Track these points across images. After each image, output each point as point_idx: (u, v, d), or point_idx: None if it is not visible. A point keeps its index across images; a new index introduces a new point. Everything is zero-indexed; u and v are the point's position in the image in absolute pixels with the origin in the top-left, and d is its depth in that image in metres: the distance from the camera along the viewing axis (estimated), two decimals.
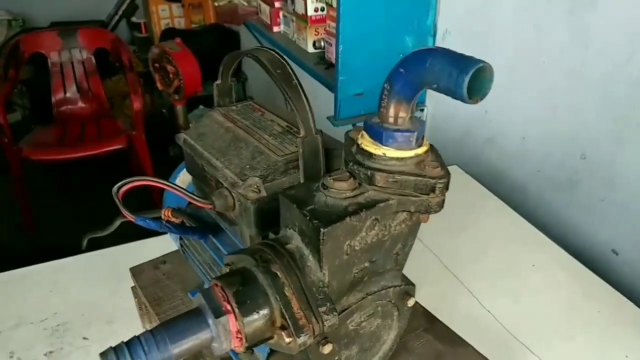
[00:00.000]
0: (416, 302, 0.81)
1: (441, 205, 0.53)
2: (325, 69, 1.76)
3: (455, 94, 0.43)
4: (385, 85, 0.50)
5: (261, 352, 0.72)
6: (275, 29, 2.13)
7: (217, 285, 0.50)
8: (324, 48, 1.81)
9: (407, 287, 0.63)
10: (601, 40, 1.12)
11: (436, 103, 1.60)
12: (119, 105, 3.25)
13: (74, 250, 1.07)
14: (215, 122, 0.69)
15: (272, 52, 0.60)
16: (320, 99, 1.91)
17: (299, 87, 0.58)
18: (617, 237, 1.18)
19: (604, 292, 1.02)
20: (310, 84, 1.88)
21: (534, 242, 1.15)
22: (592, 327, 0.94)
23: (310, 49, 1.89)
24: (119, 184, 0.60)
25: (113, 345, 0.46)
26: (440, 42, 1.54)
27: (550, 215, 1.32)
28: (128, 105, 3.02)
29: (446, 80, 0.43)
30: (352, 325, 0.59)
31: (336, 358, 0.60)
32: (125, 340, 0.47)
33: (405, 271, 0.67)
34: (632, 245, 1.16)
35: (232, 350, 0.71)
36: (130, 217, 0.61)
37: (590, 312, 0.97)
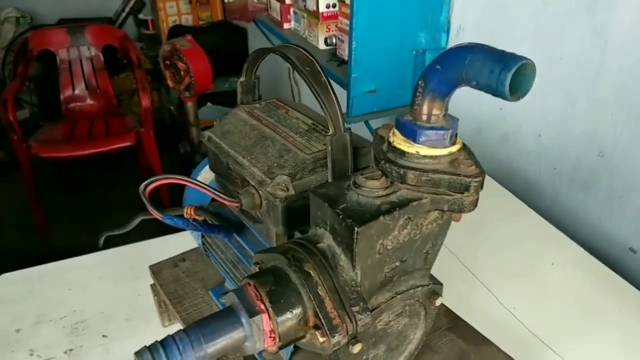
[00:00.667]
0: None
1: (475, 204, 0.52)
2: (337, 65, 1.75)
3: (496, 92, 0.42)
4: (420, 82, 0.49)
5: (285, 351, 0.72)
6: (286, 25, 2.12)
7: (249, 284, 0.50)
8: (335, 45, 1.80)
9: (435, 287, 0.62)
10: (620, 36, 1.11)
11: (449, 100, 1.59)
12: (127, 102, 3.26)
13: (86, 247, 1.07)
14: (240, 119, 0.69)
15: (300, 49, 0.60)
16: None
17: (328, 85, 0.57)
18: (635, 235, 1.18)
19: (625, 290, 1.01)
20: None
21: (552, 240, 1.14)
22: (613, 326, 0.93)
23: (322, 46, 1.88)
24: (146, 182, 0.60)
25: (147, 345, 0.46)
26: (454, 39, 1.53)
27: (567, 213, 1.31)
28: (136, 103, 3.03)
29: (487, 77, 0.42)
30: (380, 325, 0.59)
31: (364, 357, 0.60)
32: (159, 340, 0.46)
33: None
34: None
35: None
36: (157, 215, 0.61)
37: (611, 310, 0.96)
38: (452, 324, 0.78)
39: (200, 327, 0.48)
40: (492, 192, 1.31)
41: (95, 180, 2.89)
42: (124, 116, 2.73)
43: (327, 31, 1.86)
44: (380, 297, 0.57)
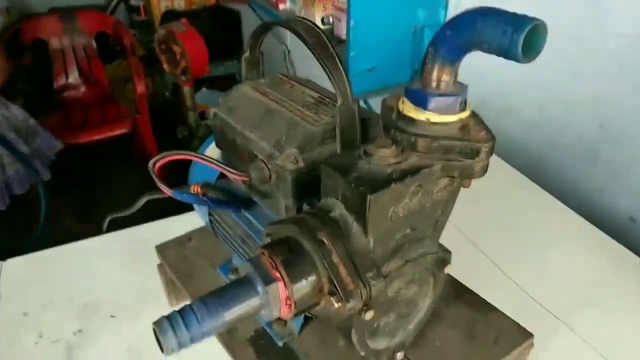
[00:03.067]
0: None
1: (485, 169, 0.53)
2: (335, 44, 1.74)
3: (508, 54, 0.42)
4: (430, 49, 0.49)
5: (295, 323, 0.72)
6: (282, 6, 2.10)
7: (264, 253, 0.50)
8: (332, 24, 1.79)
9: (444, 254, 0.63)
10: (620, 8, 1.11)
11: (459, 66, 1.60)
12: (121, 90, 3.23)
13: (86, 235, 1.07)
14: (246, 95, 0.68)
15: (306, 21, 0.59)
16: (326, 77, 1.90)
17: (335, 56, 0.57)
18: (635, 205, 1.19)
19: (625, 258, 1.02)
20: (315, 62, 1.87)
21: (554, 211, 1.15)
22: (614, 292, 0.95)
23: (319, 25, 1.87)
24: (155, 158, 0.60)
25: (165, 315, 0.46)
26: (452, 14, 1.52)
27: (569, 184, 1.32)
28: (130, 90, 3.00)
29: (499, 39, 0.42)
30: (391, 292, 0.59)
31: (375, 324, 0.61)
32: (177, 310, 0.47)
33: None
34: None
35: (267, 323, 0.72)
36: (168, 191, 0.61)
37: (612, 277, 0.98)
38: (459, 293, 0.79)
39: (217, 296, 0.48)
40: (494, 166, 1.32)
41: (93, 168, 2.88)
42: (119, 103, 2.71)
43: (323, 10, 1.85)
44: (392, 265, 0.58)
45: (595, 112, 1.21)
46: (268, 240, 0.56)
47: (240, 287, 0.49)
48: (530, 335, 0.72)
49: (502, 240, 1.06)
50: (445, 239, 0.91)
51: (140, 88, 2.42)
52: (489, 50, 0.44)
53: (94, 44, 2.71)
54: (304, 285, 0.49)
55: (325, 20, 1.83)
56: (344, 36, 1.56)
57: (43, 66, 2.80)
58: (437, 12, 1.52)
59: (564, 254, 1.04)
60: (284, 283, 0.49)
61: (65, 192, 2.69)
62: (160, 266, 0.91)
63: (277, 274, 0.49)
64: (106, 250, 1.05)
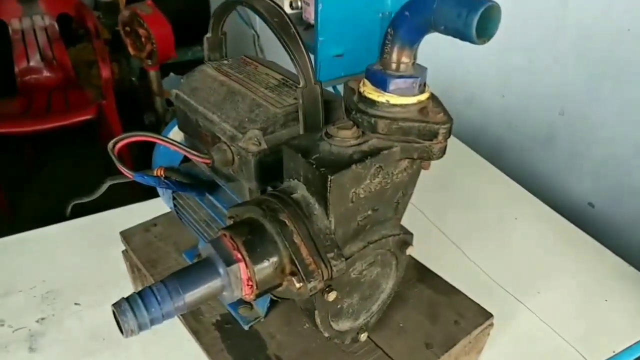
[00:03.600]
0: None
1: (443, 151, 0.53)
2: (303, 29, 1.73)
3: (463, 35, 0.43)
4: (389, 30, 0.50)
5: (261, 307, 0.73)
6: None
7: (225, 235, 0.50)
8: (301, 8, 1.77)
9: (406, 236, 0.64)
10: None
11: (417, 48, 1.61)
12: (86, 74, 3.14)
13: (52, 221, 1.05)
14: (208, 76, 0.68)
15: (268, 0, 0.59)
16: None
17: (297, 36, 0.57)
18: (593, 190, 1.23)
19: (583, 241, 1.06)
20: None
21: (515, 196, 1.18)
22: (572, 274, 0.98)
23: (287, 9, 1.84)
24: (115, 139, 0.59)
25: (125, 297, 0.46)
26: None
27: (529, 170, 1.36)
28: (95, 75, 2.92)
29: (454, 21, 0.43)
30: (354, 274, 0.60)
31: (339, 306, 0.62)
32: (136, 291, 0.46)
33: None
34: (608, 198, 1.21)
35: (232, 306, 0.72)
36: (128, 174, 0.60)
37: (570, 260, 1.01)
38: (422, 275, 0.81)
39: (178, 277, 0.48)
40: (457, 151, 1.34)
41: (57, 155, 2.81)
42: (84, 89, 2.64)
43: None
44: (354, 247, 0.58)
45: (556, 99, 1.24)
46: (231, 222, 0.56)
47: (201, 268, 0.49)
48: (490, 315, 0.75)
49: (464, 224, 1.09)
50: (408, 222, 0.92)
51: (106, 73, 2.35)
52: (445, 32, 0.45)
53: (56, 26, 2.63)
54: (265, 266, 0.49)
55: (294, 5, 1.81)
56: (312, 21, 1.54)
57: (3, 49, 2.70)
58: None
59: (524, 237, 1.07)
60: (246, 264, 0.49)
61: (29, 179, 2.63)
62: (125, 252, 0.90)
63: (239, 255, 0.49)
64: (69, 237, 1.03)
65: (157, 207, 0.91)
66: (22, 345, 0.82)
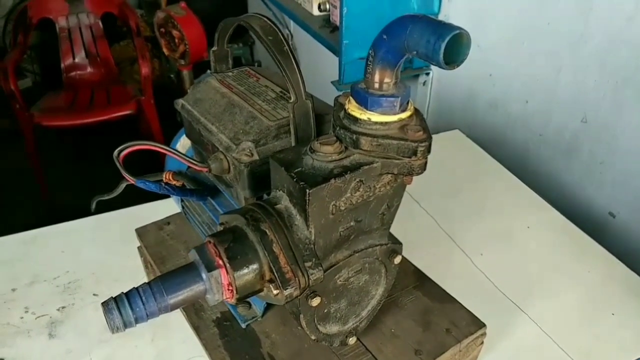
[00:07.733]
0: (408, 261, 0.85)
1: (423, 167, 0.55)
2: (330, 32, 1.75)
3: (432, 60, 0.44)
4: (370, 52, 0.52)
5: (258, 306, 0.76)
6: None
7: (210, 242, 0.54)
8: (329, 11, 1.79)
9: (394, 246, 0.66)
10: (604, 3, 1.11)
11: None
12: (128, 70, 3.27)
13: (86, 213, 1.11)
14: (212, 88, 0.71)
15: (264, 18, 0.62)
16: (325, 63, 1.91)
17: (290, 53, 0.59)
18: (615, 200, 1.20)
19: (596, 253, 1.04)
20: (315, 48, 1.88)
21: (530, 204, 1.17)
22: (580, 287, 0.97)
23: (316, 12, 1.88)
24: (120, 147, 0.63)
25: (113, 296, 0.50)
26: (446, 4, 1.52)
27: (550, 178, 1.34)
28: (136, 71, 3.04)
29: (424, 46, 0.45)
30: (340, 281, 0.63)
31: (325, 310, 0.64)
32: (124, 292, 0.51)
33: (401, 232, 0.70)
34: (630, 208, 1.18)
35: (232, 305, 0.76)
36: (130, 179, 0.64)
37: (580, 271, 1.00)
38: (419, 282, 0.82)
39: (163, 280, 0.52)
40: (474, 157, 1.33)
41: (98, 148, 2.94)
42: (125, 84, 2.75)
43: None
44: (339, 255, 0.61)
45: (578, 107, 1.22)
46: (221, 228, 0.59)
47: (186, 272, 0.53)
48: (483, 325, 0.75)
49: (474, 231, 1.08)
50: (418, 227, 0.93)
51: (145, 70, 2.45)
52: (418, 56, 0.46)
53: (100, 24, 2.75)
54: (245, 273, 0.53)
55: (322, 7, 1.84)
56: (339, 23, 1.56)
57: (51, 46, 2.85)
58: (431, 2, 1.52)
59: (536, 246, 1.06)
60: (226, 270, 0.52)
61: (70, 171, 2.76)
62: (139, 248, 0.95)
63: (220, 262, 0.52)
64: (92, 232, 1.09)
65: (174, 205, 0.96)
66: (42, 331, 0.88)
